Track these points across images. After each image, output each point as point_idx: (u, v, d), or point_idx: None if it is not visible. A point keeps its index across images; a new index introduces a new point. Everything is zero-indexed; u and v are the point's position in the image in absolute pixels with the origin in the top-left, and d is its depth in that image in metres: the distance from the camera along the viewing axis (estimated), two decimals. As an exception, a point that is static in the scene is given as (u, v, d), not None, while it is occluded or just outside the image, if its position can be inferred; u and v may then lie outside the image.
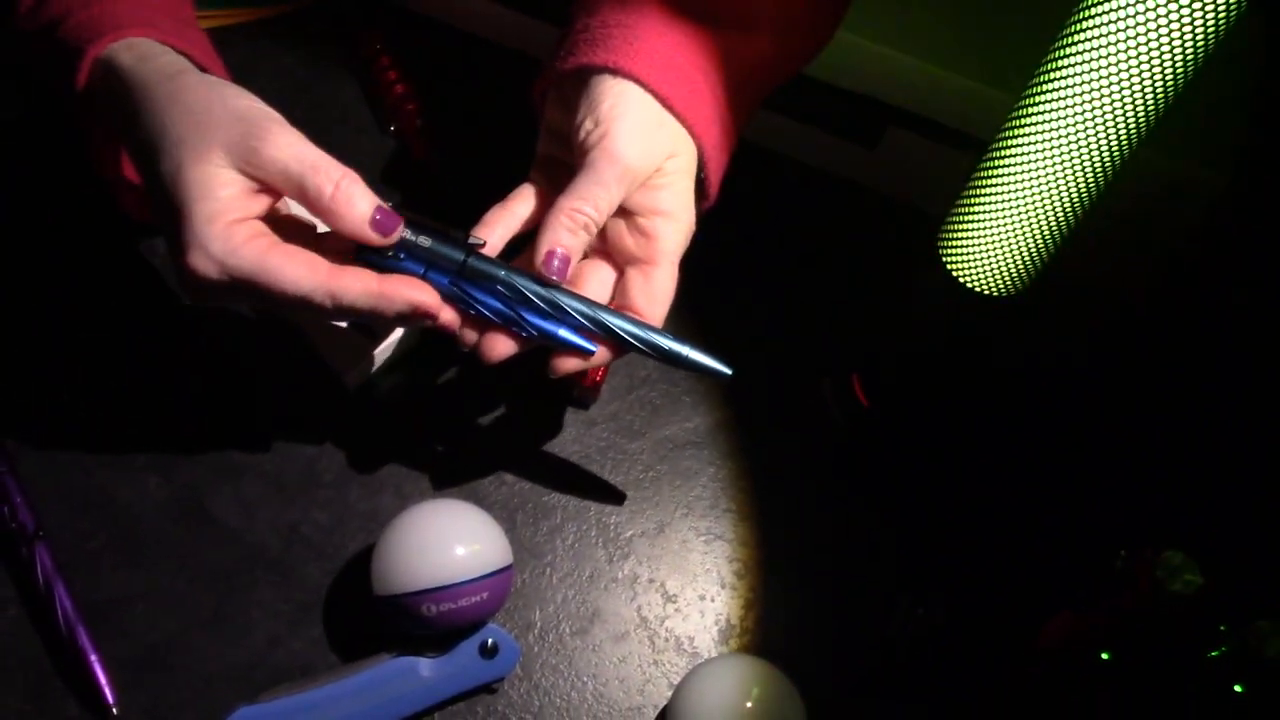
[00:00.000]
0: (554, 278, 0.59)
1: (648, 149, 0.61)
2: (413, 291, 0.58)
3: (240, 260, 0.55)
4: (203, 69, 0.62)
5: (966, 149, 0.75)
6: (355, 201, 0.57)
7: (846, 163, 0.83)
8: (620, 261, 0.63)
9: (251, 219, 0.57)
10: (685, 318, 0.78)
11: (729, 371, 0.61)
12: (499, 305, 0.60)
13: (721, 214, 0.82)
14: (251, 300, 0.58)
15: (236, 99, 0.57)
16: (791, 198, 0.84)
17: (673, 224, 0.63)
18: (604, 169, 0.60)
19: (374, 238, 0.58)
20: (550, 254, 0.59)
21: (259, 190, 0.57)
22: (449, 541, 0.63)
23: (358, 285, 0.57)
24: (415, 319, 0.59)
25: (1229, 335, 0.72)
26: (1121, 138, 0.54)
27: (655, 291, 0.62)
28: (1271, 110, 0.74)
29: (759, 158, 0.85)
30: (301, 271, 0.56)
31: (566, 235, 0.59)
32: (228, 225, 0.55)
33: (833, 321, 0.79)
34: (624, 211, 0.63)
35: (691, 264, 0.80)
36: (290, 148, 0.56)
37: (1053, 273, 0.66)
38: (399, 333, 0.73)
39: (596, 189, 0.59)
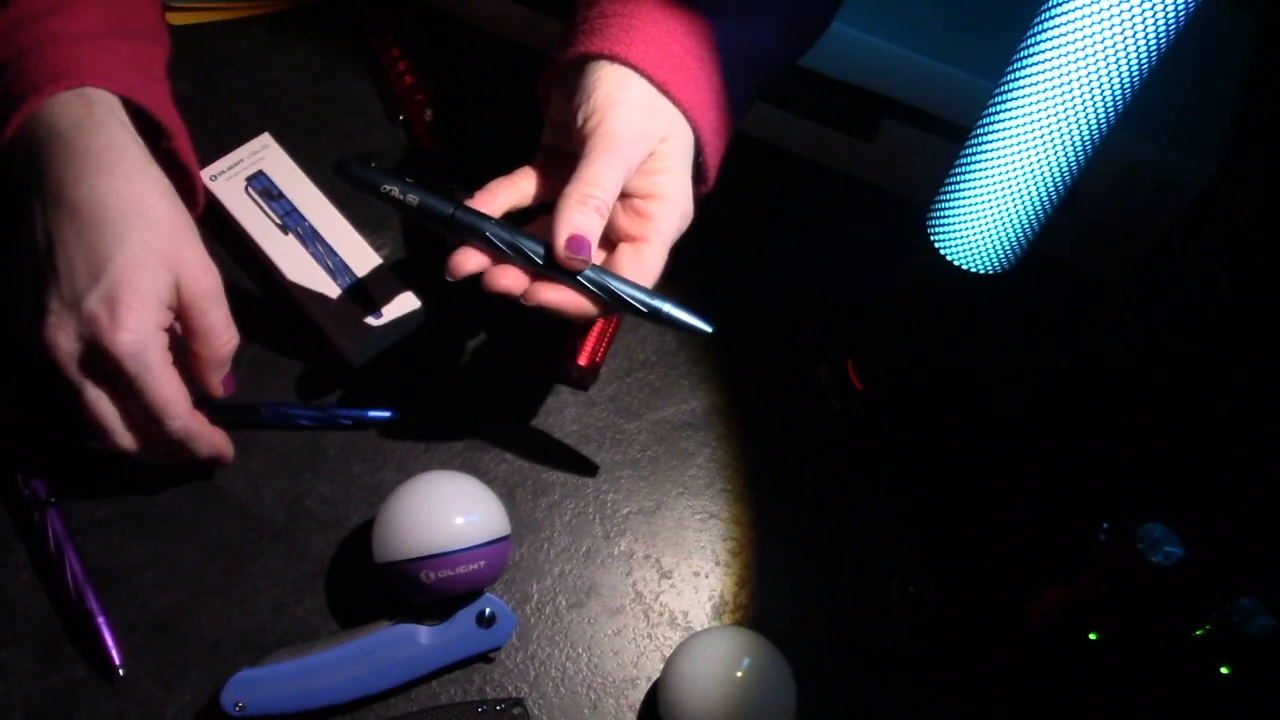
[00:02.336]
0: (578, 260, 0.60)
1: (643, 131, 0.62)
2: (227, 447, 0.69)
3: (147, 346, 0.60)
4: (160, 126, 0.66)
5: (961, 142, 0.76)
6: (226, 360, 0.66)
7: (843, 155, 0.85)
8: (614, 239, 0.65)
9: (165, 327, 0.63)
10: (687, 304, 0.80)
11: (709, 329, 0.62)
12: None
13: (721, 204, 0.84)
14: (85, 387, 0.62)
15: (170, 204, 0.64)
16: (789, 189, 0.86)
17: (668, 206, 0.64)
18: (604, 152, 0.61)
19: (218, 390, 0.67)
20: (573, 238, 0.60)
21: (170, 306, 0.63)
22: (448, 510, 0.64)
23: (206, 431, 0.66)
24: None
25: (1212, 317, 0.74)
26: (1093, 118, 0.55)
27: (644, 266, 0.63)
28: (1258, 104, 0.76)
29: (757, 150, 0.87)
30: (179, 392, 0.63)
31: (582, 218, 0.60)
32: (155, 312, 0.61)
33: (828, 309, 0.81)
34: (621, 194, 0.64)
35: (692, 252, 0.82)
36: (208, 275, 0.64)
37: (1041, 258, 0.68)
38: (402, 310, 0.75)
39: (602, 171, 0.61)
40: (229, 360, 0.66)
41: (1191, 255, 0.75)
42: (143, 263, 0.60)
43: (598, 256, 0.64)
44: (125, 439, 0.64)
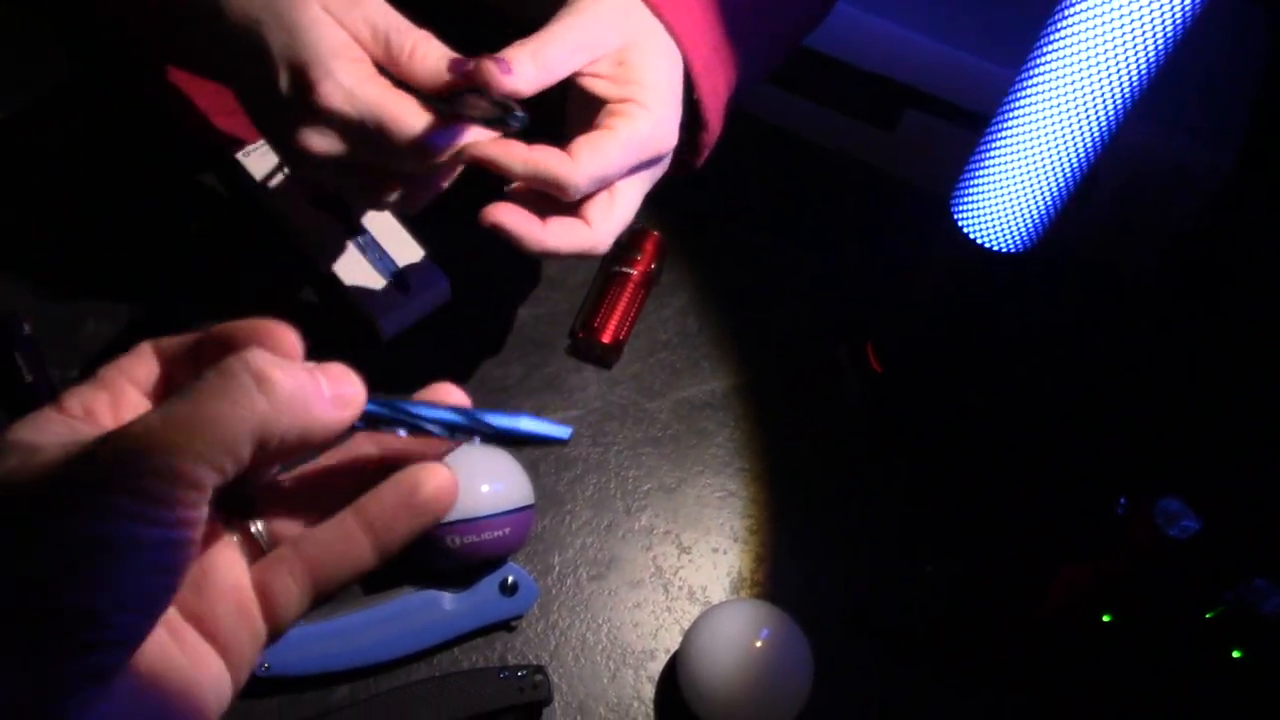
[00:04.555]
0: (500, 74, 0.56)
1: (610, 22, 0.60)
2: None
3: (368, 93, 0.55)
4: None
5: (981, 131, 0.78)
6: (431, 55, 0.57)
7: (865, 144, 0.86)
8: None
9: (366, 59, 0.57)
10: (709, 288, 0.81)
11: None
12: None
13: (743, 190, 0.86)
14: (362, 151, 0.57)
15: None
16: (812, 177, 0.87)
17: (643, 113, 0.60)
18: (558, 23, 0.60)
19: (449, 81, 0.57)
20: (501, 60, 0.56)
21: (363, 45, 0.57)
22: (474, 478, 0.65)
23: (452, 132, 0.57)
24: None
25: (1232, 302, 0.75)
26: (1113, 103, 0.56)
27: (600, 158, 0.58)
28: (1276, 96, 0.77)
29: (779, 138, 0.88)
30: (417, 112, 0.56)
31: (520, 54, 0.57)
32: (353, 61, 0.56)
33: (848, 293, 0.82)
34: (596, 103, 0.62)
35: (713, 235, 0.84)
36: (378, 6, 0.57)
37: (1061, 243, 0.69)
38: (430, 285, 0.76)
39: (554, 33, 0.59)
40: (430, 58, 0.57)
41: (1211, 242, 0.76)
42: (316, 21, 0.55)
43: (537, 227, 0.60)
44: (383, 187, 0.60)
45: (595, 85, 0.61)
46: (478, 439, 0.39)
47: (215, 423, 0.31)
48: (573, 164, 0.58)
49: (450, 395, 0.41)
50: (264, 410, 0.32)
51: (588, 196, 0.61)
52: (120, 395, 0.36)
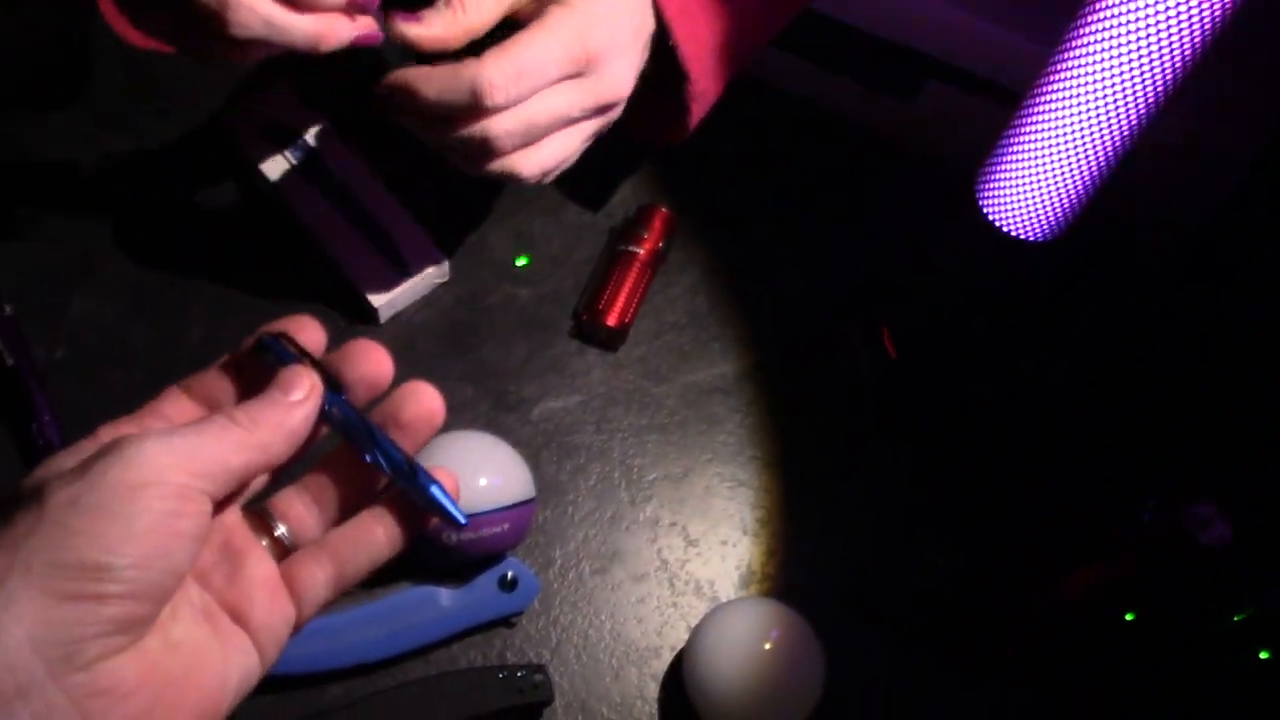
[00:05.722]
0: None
1: None
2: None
3: None
4: None
5: (1009, 105, 0.74)
6: None
7: (884, 118, 0.83)
8: None
9: None
10: (720, 267, 0.78)
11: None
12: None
13: (753, 163, 0.82)
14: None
15: None
16: (827, 151, 0.84)
17: (563, 10, 0.57)
18: None
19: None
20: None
21: None
22: (473, 471, 0.63)
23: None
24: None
25: (1262, 295, 0.72)
26: (1148, 92, 0.53)
27: (512, 49, 0.56)
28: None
29: (793, 111, 0.84)
30: None
31: None
32: None
33: (862, 275, 0.79)
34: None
35: (723, 211, 0.80)
36: None
37: (1086, 230, 0.65)
38: (428, 266, 0.73)
39: None
40: None
41: (1239, 232, 0.73)
42: None
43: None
44: None
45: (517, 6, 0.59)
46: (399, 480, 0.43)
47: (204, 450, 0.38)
48: (479, 62, 0.56)
49: (425, 397, 0.44)
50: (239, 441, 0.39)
51: None
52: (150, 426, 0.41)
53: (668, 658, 0.67)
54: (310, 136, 0.76)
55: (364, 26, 0.59)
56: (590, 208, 0.79)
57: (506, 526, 0.63)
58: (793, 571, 0.70)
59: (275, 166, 0.75)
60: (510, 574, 0.65)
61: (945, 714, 0.68)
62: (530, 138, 0.59)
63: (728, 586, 0.69)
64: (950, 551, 0.70)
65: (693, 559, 0.70)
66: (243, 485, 0.41)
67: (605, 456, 0.72)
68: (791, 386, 0.75)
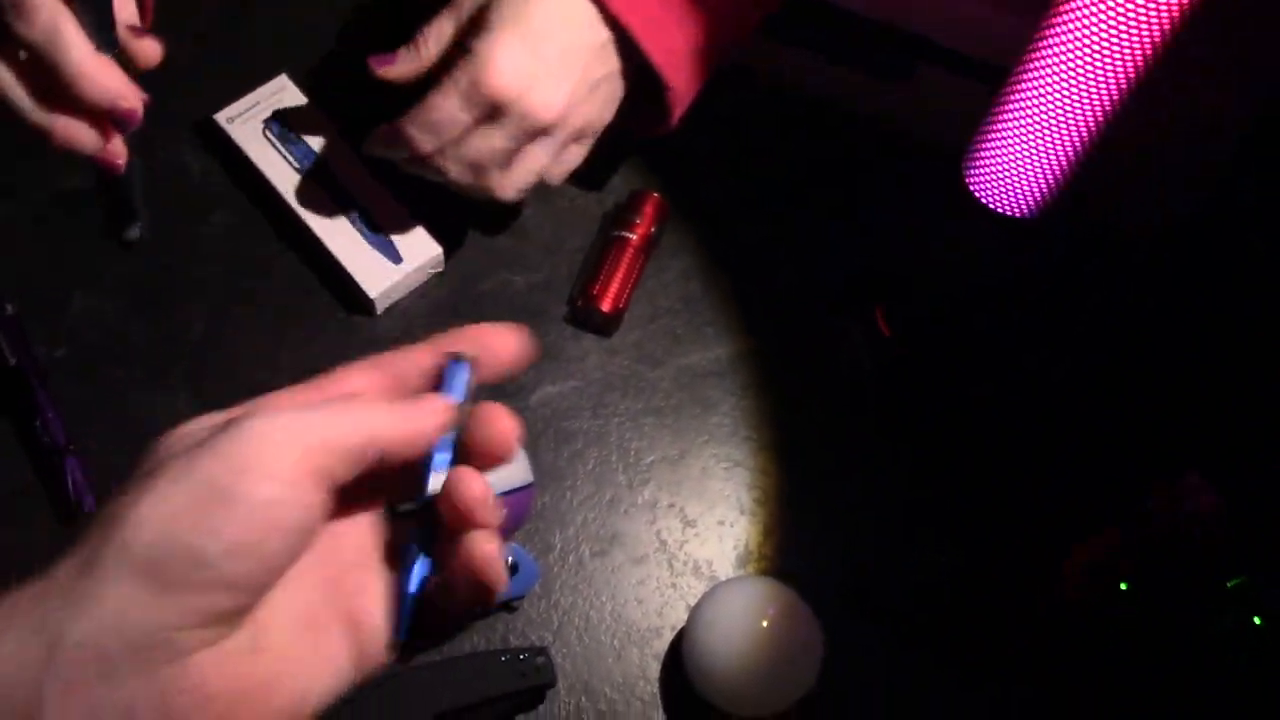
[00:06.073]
0: None
1: None
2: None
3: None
4: None
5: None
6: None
7: (876, 100, 0.83)
8: None
9: None
10: (713, 251, 0.79)
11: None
12: None
13: (745, 147, 0.83)
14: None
15: None
16: (819, 134, 0.84)
17: (469, 62, 0.63)
18: None
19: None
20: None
21: None
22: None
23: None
24: None
25: (1260, 267, 0.72)
26: (1135, 63, 0.53)
27: (421, 110, 0.65)
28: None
29: (785, 97, 0.84)
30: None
31: None
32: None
33: (857, 256, 0.79)
34: None
35: (716, 195, 0.81)
36: None
37: (1079, 203, 0.66)
38: (423, 256, 0.74)
39: None
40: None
41: (1231, 210, 0.73)
42: None
43: None
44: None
45: None
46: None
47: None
48: (402, 120, 0.65)
49: (502, 421, 0.41)
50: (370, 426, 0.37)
51: None
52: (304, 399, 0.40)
53: (668, 637, 0.68)
54: (304, 130, 0.77)
55: (112, 151, 0.56)
56: (582, 195, 0.80)
57: (505, 512, 0.64)
58: (790, 553, 0.71)
59: (270, 161, 0.75)
60: (510, 559, 0.66)
61: (943, 707, 0.68)
62: (486, 169, 0.66)
63: (726, 566, 0.70)
64: (951, 550, 0.70)
65: (691, 540, 0.71)
66: (368, 471, 0.37)
67: (602, 441, 0.73)
68: (786, 368, 0.76)
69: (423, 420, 0.38)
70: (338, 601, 0.38)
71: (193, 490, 0.34)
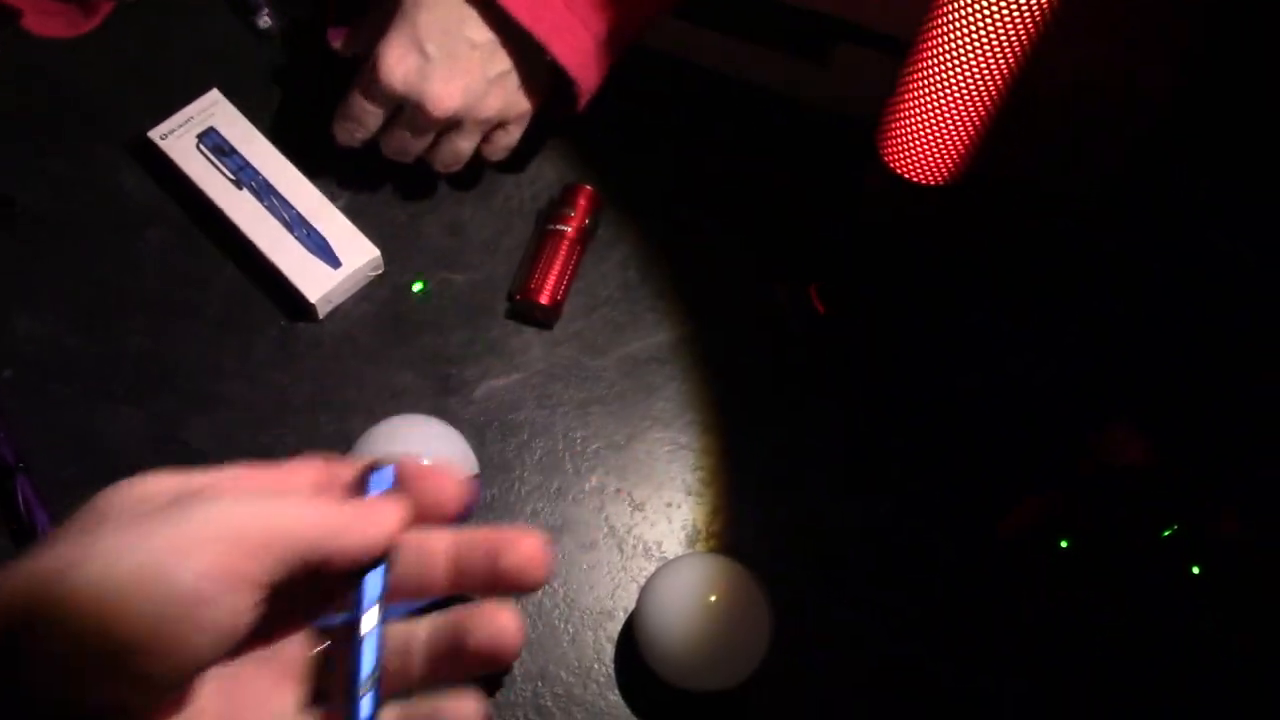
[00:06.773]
0: None
1: None
2: None
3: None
4: None
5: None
6: None
7: (799, 81, 0.84)
8: None
9: None
10: (648, 239, 0.80)
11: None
12: None
13: (674, 135, 0.84)
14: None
15: None
16: (744, 118, 0.85)
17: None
18: None
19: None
20: None
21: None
22: (414, 452, 0.64)
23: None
24: None
25: (1186, 225, 0.73)
26: (1028, 29, 0.55)
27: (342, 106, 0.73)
28: (1224, 8, 0.75)
29: (709, 82, 0.86)
30: None
31: None
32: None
33: (788, 234, 0.80)
34: None
35: (648, 184, 0.82)
36: None
37: (999, 168, 0.67)
38: (361, 258, 0.74)
39: None
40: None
41: (1161, 163, 0.75)
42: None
43: None
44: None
45: None
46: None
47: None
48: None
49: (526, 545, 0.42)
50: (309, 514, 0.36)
51: None
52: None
53: (621, 619, 0.69)
54: (237, 140, 0.77)
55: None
56: (518, 192, 0.81)
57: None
58: (737, 528, 0.72)
59: (205, 175, 0.76)
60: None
61: (892, 674, 0.69)
62: (414, 149, 0.74)
63: (675, 546, 0.71)
64: (890, 497, 0.72)
65: (639, 523, 0.72)
66: (308, 578, 0.36)
67: (548, 431, 0.74)
68: (725, 350, 0.77)
69: (372, 522, 0.37)
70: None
71: (127, 572, 0.32)
